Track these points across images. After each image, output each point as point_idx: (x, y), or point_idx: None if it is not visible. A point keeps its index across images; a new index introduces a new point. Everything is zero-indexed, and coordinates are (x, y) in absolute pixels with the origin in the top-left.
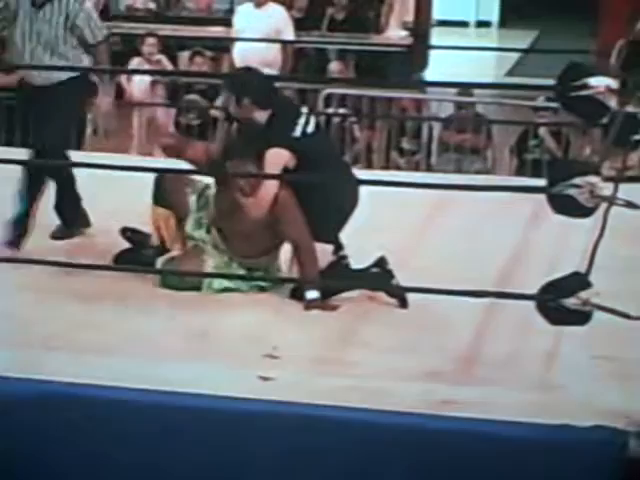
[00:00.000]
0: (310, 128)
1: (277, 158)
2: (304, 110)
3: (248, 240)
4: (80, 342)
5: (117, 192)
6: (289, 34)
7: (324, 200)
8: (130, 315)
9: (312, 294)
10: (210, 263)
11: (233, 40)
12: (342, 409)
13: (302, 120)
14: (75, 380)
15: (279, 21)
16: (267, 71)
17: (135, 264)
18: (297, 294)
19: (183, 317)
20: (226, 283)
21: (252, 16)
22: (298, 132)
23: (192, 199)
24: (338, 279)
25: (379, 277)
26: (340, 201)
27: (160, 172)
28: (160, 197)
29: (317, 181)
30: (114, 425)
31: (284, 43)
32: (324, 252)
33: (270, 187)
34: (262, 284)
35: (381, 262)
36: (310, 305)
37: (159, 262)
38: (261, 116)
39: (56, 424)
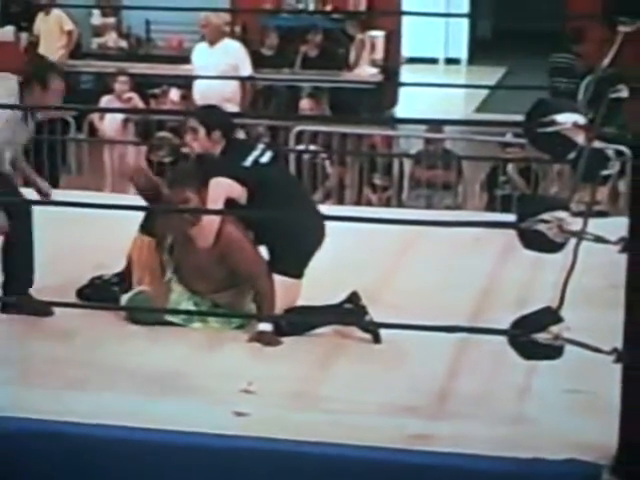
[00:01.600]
0: (265, 158)
1: (218, 188)
2: (260, 145)
3: (202, 275)
4: (57, 378)
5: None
6: (246, 69)
7: (283, 232)
8: (103, 351)
9: (264, 326)
10: (174, 297)
11: (195, 78)
12: (317, 444)
13: (256, 152)
14: (53, 417)
15: (235, 57)
16: (227, 107)
17: (98, 299)
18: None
19: (156, 353)
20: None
21: (207, 54)
22: (249, 162)
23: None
24: (311, 315)
25: (352, 313)
26: (301, 233)
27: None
28: (149, 226)
29: (274, 214)
30: (92, 461)
31: (250, 80)
32: (294, 286)
33: (212, 216)
34: (237, 321)
35: (354, 298)
36: (254, 337)
37: (126, 297)
38: (217, 149)
39: (36, 461)
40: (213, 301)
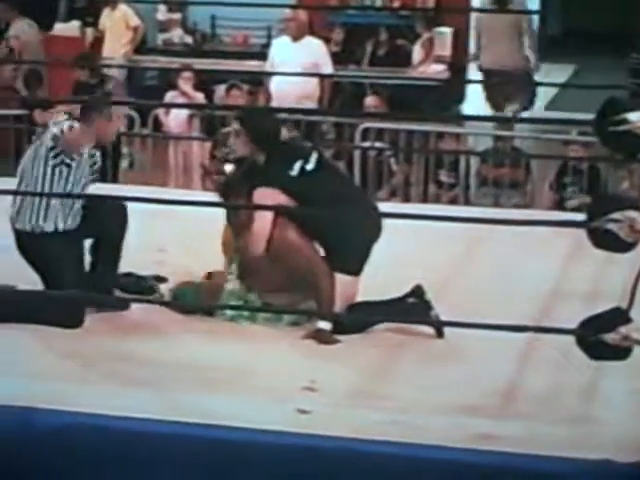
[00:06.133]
0: (310, 165)
1: (263, 199)
2: (307, 147)
3: (258, 276)
4: (113, 374)
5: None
6: (327, 68)
7: (334, 231)
8: (162, 347)
9: (323, 324)
10: (228, 290)
11: (270, 74)
12: (380, 443)
13: (302, 158)
14: (111, 412)
15: (318, 55)
16: (305, 104)
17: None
18: (335, 328)
19: (217, 350)
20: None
21: (289, 49)
22: (295, 170)
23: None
24: (373, 311)
25: (416, 307)
26: (353, 230)
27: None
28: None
29: (323, 213)
30: (149, 456)
31: (320, 77)
32: (351, 283)
33: (262, 223)
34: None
35: (417, 291)
36: (311, 335)
37: (175, 287)
38: (260, 155)
39: (81, 454)
40: (265, 302)
